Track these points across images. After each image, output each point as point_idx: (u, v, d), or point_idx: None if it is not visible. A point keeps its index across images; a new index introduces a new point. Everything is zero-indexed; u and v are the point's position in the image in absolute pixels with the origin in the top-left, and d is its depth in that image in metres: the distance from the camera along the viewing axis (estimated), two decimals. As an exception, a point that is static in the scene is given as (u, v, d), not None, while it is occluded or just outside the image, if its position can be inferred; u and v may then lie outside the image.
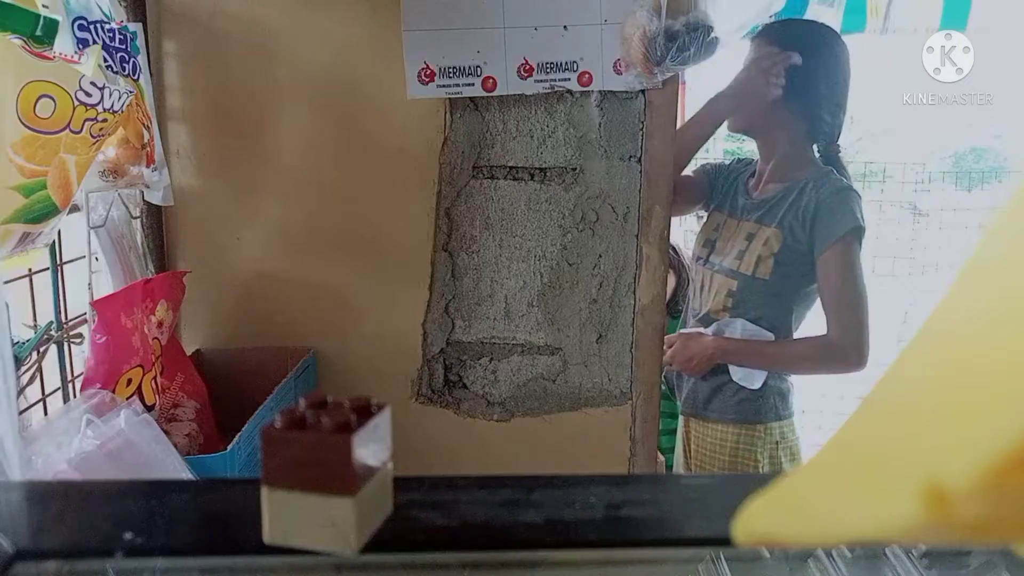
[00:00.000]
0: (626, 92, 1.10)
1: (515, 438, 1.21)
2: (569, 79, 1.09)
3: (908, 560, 0.43)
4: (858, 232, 1.36)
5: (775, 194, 1.43)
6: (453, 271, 1.18)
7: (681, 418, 1.59)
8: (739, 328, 1.45)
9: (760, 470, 1.44)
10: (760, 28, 1.46)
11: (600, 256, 1.16)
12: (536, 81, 1.09)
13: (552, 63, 1.09)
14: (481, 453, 1.21)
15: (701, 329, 1.49)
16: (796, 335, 1.46)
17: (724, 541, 0.41)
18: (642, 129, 1.11)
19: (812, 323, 1.48)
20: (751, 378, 1.45)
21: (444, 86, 1.09)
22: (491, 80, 1.09)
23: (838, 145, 1.48)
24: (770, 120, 1.43)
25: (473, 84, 1.09)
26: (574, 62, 1.08)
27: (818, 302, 1.43)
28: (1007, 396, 0.16)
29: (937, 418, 0.18)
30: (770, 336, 1.43)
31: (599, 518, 0.44)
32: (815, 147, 1.47)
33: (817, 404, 3.09)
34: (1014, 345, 0.16)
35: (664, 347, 1.31)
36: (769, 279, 1.41)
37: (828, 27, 1.57)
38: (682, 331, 1.53)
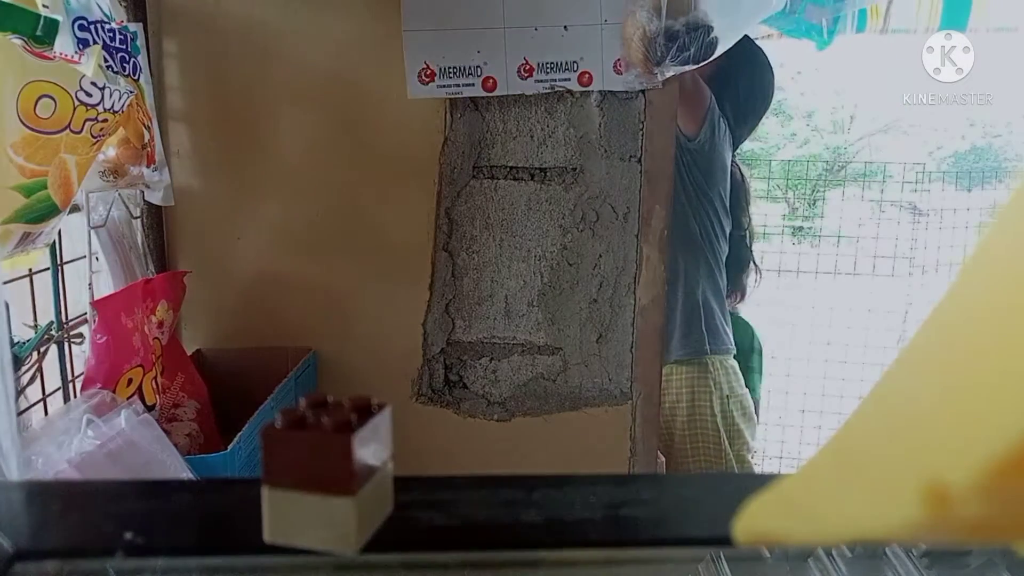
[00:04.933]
0: (626, 92, 1.10)
1: (515, 438, 1.21)
2: (569, 79, 1.09)
3: (908, 560, 0.43)
4: None
5: None
6: (453, 271, 1.18)
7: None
8: None
9: (715, 419, 1.51)
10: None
11: (600, 256, 1.16)
12: (536, 81, 1.09)
13: (552, 63, 1.09)
14: (481, 453, 1.21)
15: None
16: None
17: (724, 541, 0.41)
18: (642, 129, 1.11)
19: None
20: None
21: (444, 86, 1.09)
22: (491, 80, 1.09)
23: None
24: None
25: (473, 84, 1.09)
26: (574, 62, 1.08)
27: None
28: (1007, 395, 0.16)
29: (937, 418, 0.18)
30: None
31: (599, 518, 0.44)
32: None
33: (817, 404, 3.08)
34: (1014, 345, 0.16)
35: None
36: None
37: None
38: None
